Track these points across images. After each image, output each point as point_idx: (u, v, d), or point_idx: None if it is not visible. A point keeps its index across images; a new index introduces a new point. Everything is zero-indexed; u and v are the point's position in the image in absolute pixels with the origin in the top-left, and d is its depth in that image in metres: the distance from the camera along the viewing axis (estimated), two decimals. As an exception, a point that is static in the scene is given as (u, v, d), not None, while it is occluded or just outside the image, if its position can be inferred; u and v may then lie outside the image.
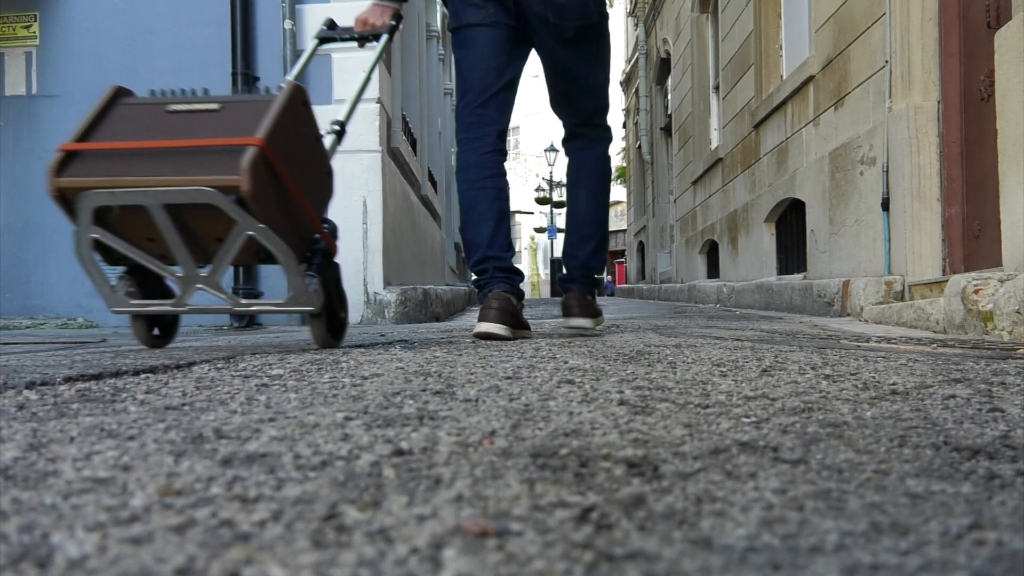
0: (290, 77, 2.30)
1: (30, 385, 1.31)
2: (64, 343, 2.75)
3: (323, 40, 2.64)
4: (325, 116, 4.89)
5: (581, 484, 0.70)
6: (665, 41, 12.73)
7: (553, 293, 21.91)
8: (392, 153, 5.38)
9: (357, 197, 4.85)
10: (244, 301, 2.13)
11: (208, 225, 1.83)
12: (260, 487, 0.68)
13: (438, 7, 9.62)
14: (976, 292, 2.74)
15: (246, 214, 1.77)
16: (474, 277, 2.61)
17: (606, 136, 2.84)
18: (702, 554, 0.53)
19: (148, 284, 2.06)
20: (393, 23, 2.58)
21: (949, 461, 0.80)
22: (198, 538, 0.55)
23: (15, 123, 4.97)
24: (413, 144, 6.65)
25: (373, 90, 4.88)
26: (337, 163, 5.10)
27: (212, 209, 1.76)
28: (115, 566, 0.49)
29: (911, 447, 0.86)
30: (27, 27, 4.98)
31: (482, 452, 0.83)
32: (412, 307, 4.97)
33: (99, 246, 1.90)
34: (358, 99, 2.49)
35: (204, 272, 1.92)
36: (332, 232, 2.15)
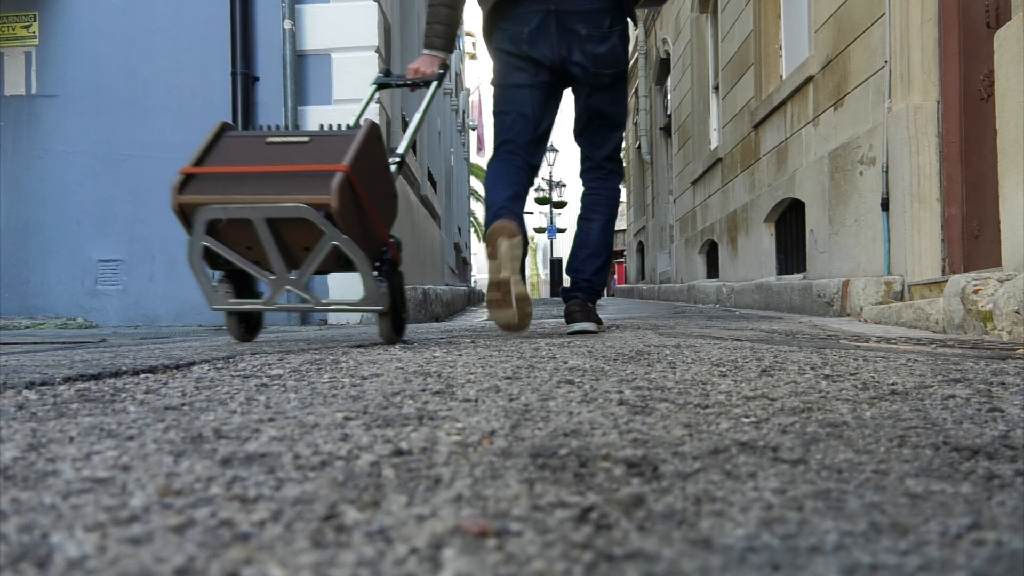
0: (353, 120, 2.82)
1: (29, 385, 1.31)
2: (63, 343, 2.75)
3: (381, 86, 3.07)
4: (325, 116, 4.92)
5: (580, 484, 0.70)
6: (665, 41, 12.73)
7: (553, 293, 21.93)
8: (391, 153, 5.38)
9: (357, 197, 4.85)
10: (324, 301, 2.40)
11: (298, 236, 2.17)
12: (259, 487, 0.68)
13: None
14: (975, 292, 2.74)
15: (333, 227, 2.11)
16: (487, 222, 2.84)
17: (620, 170, 3.15)
18: (701, 554, 0.53)
19: (241, 287, 2.43)
20: (441, 71, 2.94)
21: (948, 461, 0.80)
22: (197, 538, 0.55)
23: (14, 123, 4.97)
24: (412, 144, 6.65)
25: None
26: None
27: (303, 222, 2.11)
28: (114, 566, 0.49)
29: (910, 447, 0.86)
30: (27, 27, 4.98)
31: (481, 452, 0.83)
32: (411, 307, 4.97)
33: (206, 253, 2.23)
34: (415, 134, 2.94)
35: (292, 276, 2.26)
36: (397, 245, 2.45)
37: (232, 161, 2.25)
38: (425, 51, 2.94)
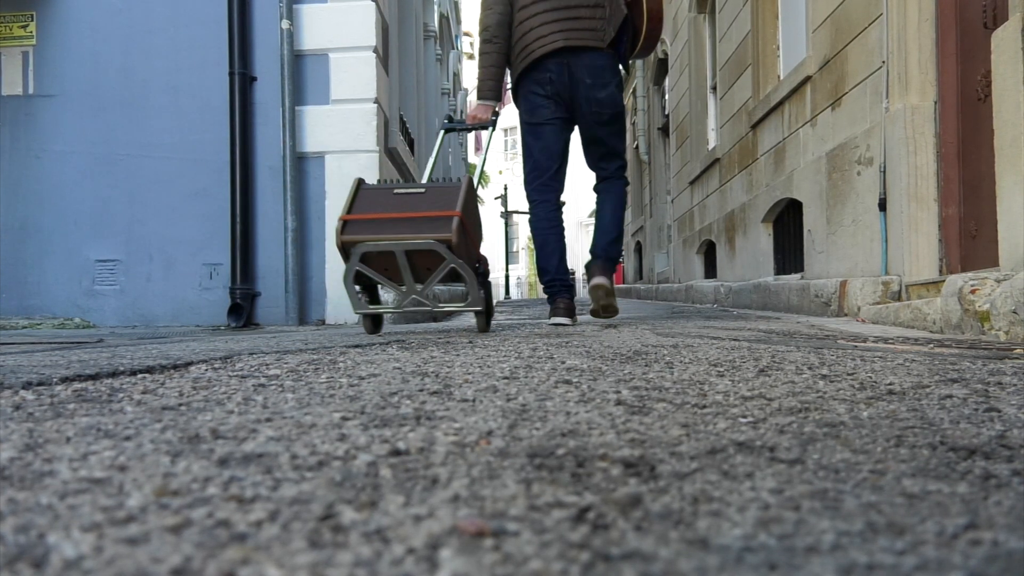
0: (429, 166, 3.56)
1: (27, 385, 1.31)
2: (61, 343, 2.75)
3: (448, 130, 3.82)
4: (324, 116, 4.91)
5: (578, 484, 0.70)
6: (662, 41, 12.73)
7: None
8: (389, 153, 5.38)
9: (355, 197, 4.85)
10: (441, 304, 3.21)
11: (423, 260, 2.94)
12: (257, 487, 0.68)
13: (435, 7, 9.62)
14: (973, 292, 2.74)
15: (452, 254, 2.88)
16: (546, 288, 3.76)
17: (625, 180, 3.89)
18: (698, 554, 0.53)
19: (372, 296, 3.25)
20: (494, 117, 3.71)
21: (945, 461, 0.80)
22: (194, 538, 0.55)
23: (12, 123, 4.96)
24: (410, 144, 6.65)
25: (370, 90, 4.88)
26: (335, 163, 5.12)
27: (429, 252, 2.89)
28: (111, 566, 0.49)
29: (907, 447, 0.86)
30: (24, 27, 4.98)
31: (479, 452, 0.83)
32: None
33: (357, 275, 2.98)
34: (484, 165, 3.61)
35: (418, 288, 3.03)
36: (486, 262, 3.27)
37: (374, 209, 3.00)
38: (480, 101, 3.70)
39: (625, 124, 3.86)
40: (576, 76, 3.54)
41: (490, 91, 3.64)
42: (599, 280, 3.61)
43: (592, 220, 4.21)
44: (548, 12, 3.50)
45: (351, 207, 3.01)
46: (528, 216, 3.85)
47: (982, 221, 3.59)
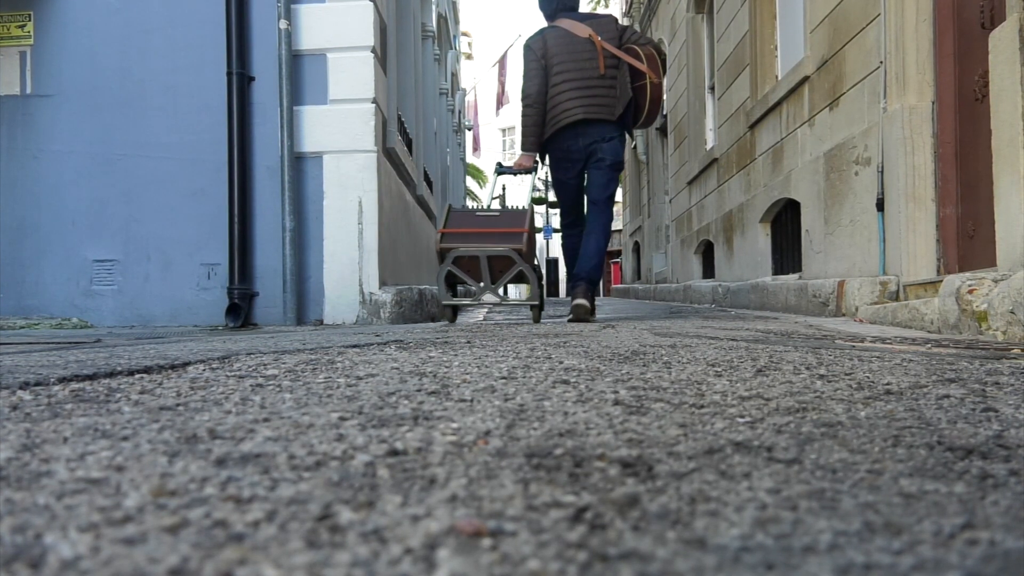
0: (489, 197, 4.71)
1: (24, 385, 1.31)
2: (59, 343, 2.75)
3: (500, 173, 4.76)
4: (322, 116, 4.91)
5: (575, 484, 0.70)
6: (661, 41, 12.74)
7: (550, 293, 21.99)
8: (388, 153, 5.38)
9: (352, 197, 4.85)
10: (508, 298, 4.14)
11: (498, 264, 4.04)
12: (254, 487, 0.68)
13: (433, 7, 9.61)
14: (970, 292, 2.75)
15: (521, 260, 4.00)
16: (569, 280, 4.61)
17: (611, 210, 4.70)
18: (696, 554, 0.53)
19: (454, 291, 4.22)
20: (535, 165, 4.65)
21: (943, 461, 0.80)
22: (192, 539, 0.55)
23: (9, 123, 4.95)
24: (409, 144, 6.65)
25: (368, 90, 4.88)
26: (333, 163, 5.12)
27: (504, 257, 4.01)
28: (108, 567, 0.49)
29: (905, 447, 0.86)
30: (21, 26, 4.97)
31: (477, 452, 0.83)
32: (407, 307, 4.97)
33: (448, 275, 4.05)
34: (531, 198, 4.66)
35: (493, 285, 4.06)
36: (539, 269, 4.23)
37: (462, 225, 4.12)
38: (523, 152, 4.63)
39: (621, 173, 4.95)
40: (590, 137, 4.55)
41: (532, 144, 4.56)
42: (581, 301, 4.35)
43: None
44: (572, 90, 4.48)
45: (446, 223, 4.09)
46: (561, 239, 4.97)
47: (980, 221, 3.59)
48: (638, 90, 4.52)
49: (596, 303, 4.61)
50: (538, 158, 4.66)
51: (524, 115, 4.58)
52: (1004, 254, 2.95)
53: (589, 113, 4.45)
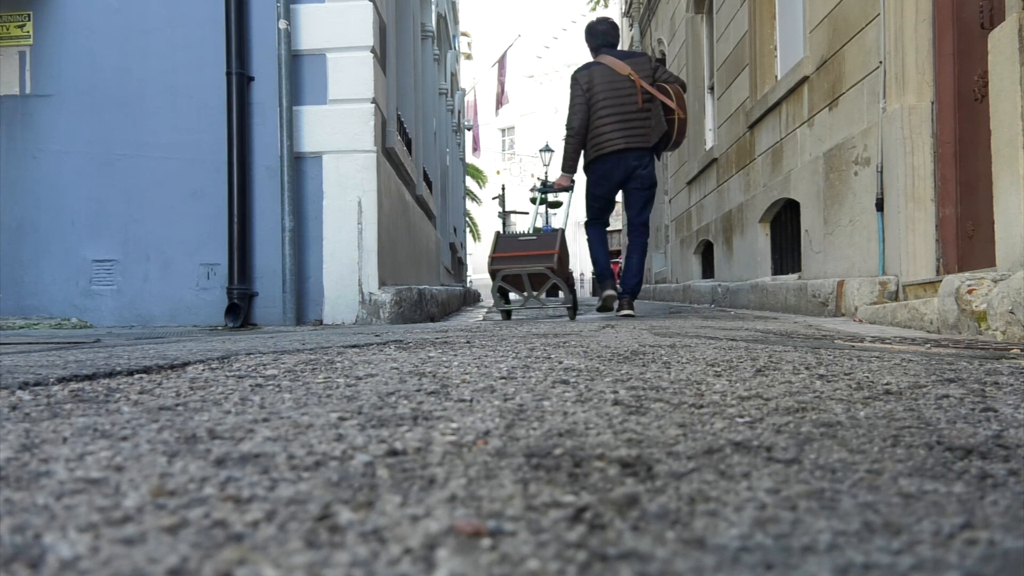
0: (532, 221, 5.71)
1: (23, 385, 1.31)
2: (58, 343, 2.74)
3: (542, 192, 6.00)
4: (322, 116, 4.91)
5: (575, 484, 0.70)
6: (660, 41, 12.73)
7: (550, 293, 22.00)
8: (387, 153, 5.38)
9: (352, 197, 4.85)
10: (548, 301, 5.42)
11: (537, 279, 4.94)
12: (253, 487, 0.68)
13: (433, 7, 9.61)
14: (970, 292, 2.75)
15: (554, 275, 4.87)
16: (596, 275, 5.43)
17: (648, 231, 5.45)
18: (695, 554, 0.53)
19: (506, 297, 5.15)
20: (572, 184, 5.44)
21: (942, 461, 0.80)
22: (191, 539, 0.54)
23: (9, 122, 4.95)
24: (408, 144, 6.65)
25: (368, 90, 4.88)
26: (333, 163, 5.12)
27: (541, 274, 4.89)
28: (107, 567, 0.49)
29: (904, 447, 0.86)
30: (20, 26, 4.97)
31: (476, 452, 0.83)
32: (407, 307, 4.97)
33: (500, 289, 5.03)
34: (568, 215, 5.60)
35: (535, 294, 4.99)
36: (572, 277, 5.14)
37: (507, 250, 4.98)
38: (563, 172, 5.42)
39: (655, 194, 5.96)
40: (629, 164, 5.28)
41: (571, 168, 5.38)
42: (627, 312, 5.17)
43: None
44: (614, 122, 5.25)
45: (495, 247, 5.01)
46: (586, 229, 5.61)
47: (979, 221, 3.59)
48: (668, 123, 5.36)
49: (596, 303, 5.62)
50: (574, 177, 5.49)
51: (567, 143, 5.36)
52: (1003, 254, 2.95)
53: (630, 143, 5.23)
